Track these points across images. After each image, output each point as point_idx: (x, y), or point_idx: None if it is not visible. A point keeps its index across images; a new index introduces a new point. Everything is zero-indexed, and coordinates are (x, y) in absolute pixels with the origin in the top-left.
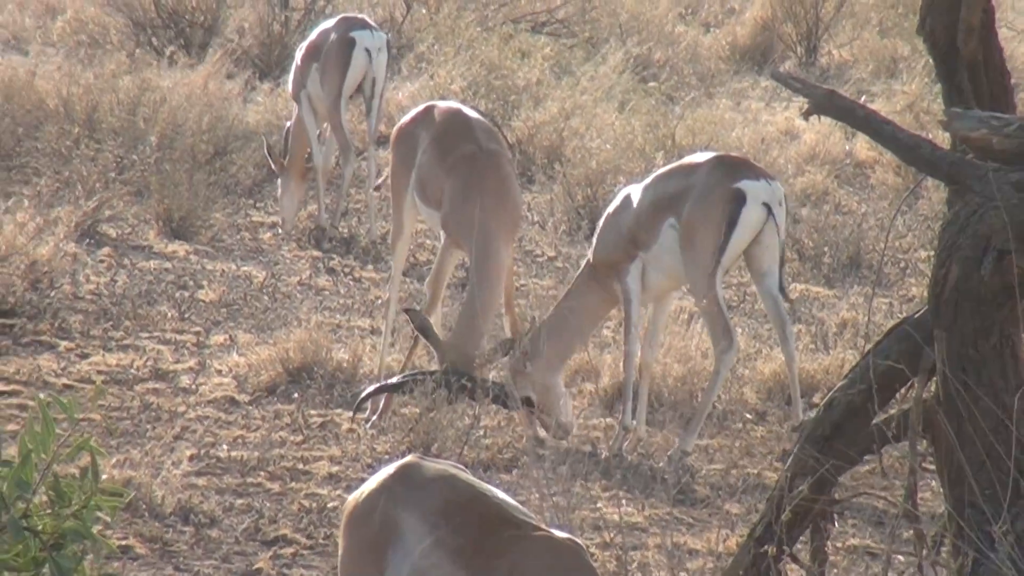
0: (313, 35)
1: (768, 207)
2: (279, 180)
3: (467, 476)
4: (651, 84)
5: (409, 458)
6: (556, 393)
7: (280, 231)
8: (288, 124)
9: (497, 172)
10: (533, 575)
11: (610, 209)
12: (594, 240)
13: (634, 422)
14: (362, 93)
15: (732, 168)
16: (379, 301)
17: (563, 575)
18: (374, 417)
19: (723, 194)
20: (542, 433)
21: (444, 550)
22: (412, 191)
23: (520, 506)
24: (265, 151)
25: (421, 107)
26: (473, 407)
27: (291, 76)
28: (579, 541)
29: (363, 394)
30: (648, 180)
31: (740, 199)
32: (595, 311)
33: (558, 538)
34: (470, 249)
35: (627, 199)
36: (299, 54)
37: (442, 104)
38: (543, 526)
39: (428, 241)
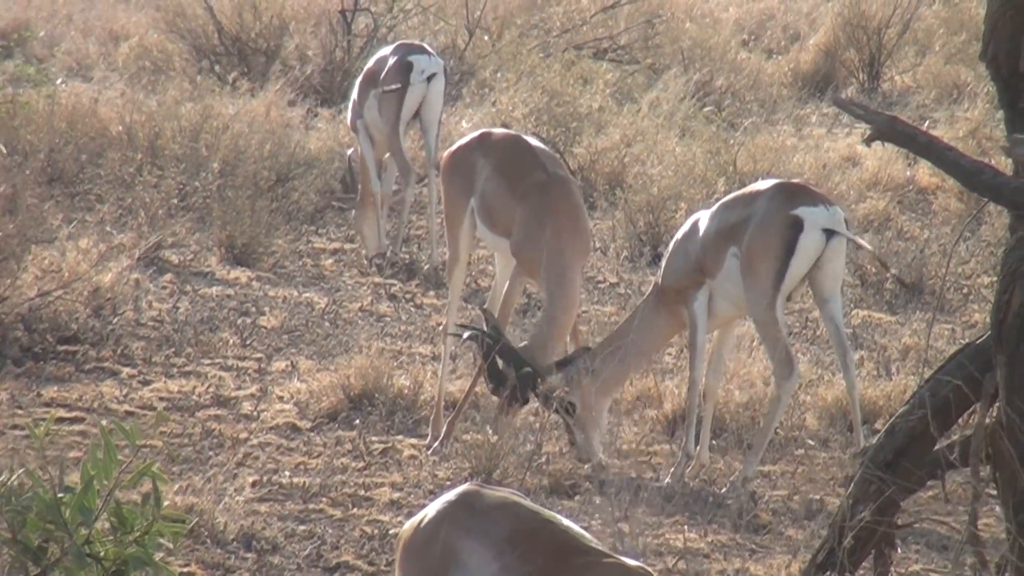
0: (371, 62)
1: (828, 232)
2: (356, 211)
3: (529, 504)
4: (707, 109)
5: (468, 486)
6: (599, 414)
7: (369, 261)
8: (350, 152)
9: (569, 200)
10: None
11: (679, 235)
12: (662, 265)
13: (697, 448)
14: (419, 119)
15: (791, 195)
16: (440, 327)
17: None
18: (435, 444)
19: (781, 221)
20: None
21: None
22: (474, 218)
23: (586, 533)
24: (342, 177)
25: (475, 134)
26: (535, 434)
27: (350, 105)
28: (648, 569)
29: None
30: (714, 208)
31: (798, 226)
32: (659, 335)
33: (629, 565)
34: (543, 276)
35: (695, 226)
36: (357, 83)
37: (498, 131)
38: (611, 553)
39: (490, 267)
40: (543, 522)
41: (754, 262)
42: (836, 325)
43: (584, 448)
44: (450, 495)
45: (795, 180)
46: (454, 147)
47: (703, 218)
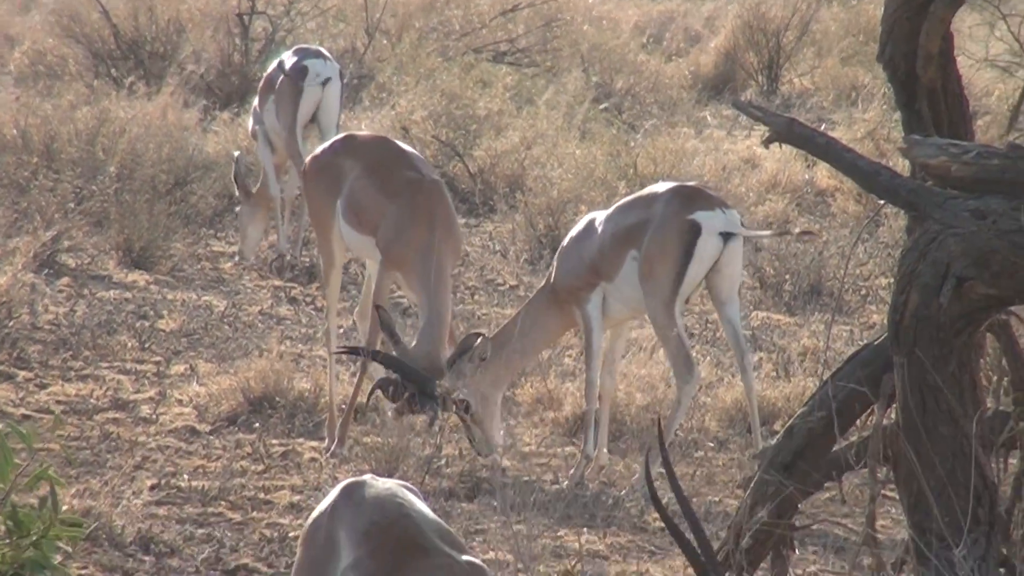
0: (270, 69)
1: (724, 236)
2: (241, 209)
3: (406, 496)
4: (602, 108)
5: (363, 477)
6: (493, 407)
7: (241, 261)
8: (237, 155)
9: (441, 200)
10: None
11: (572, 235)
12: (555, 265)
13: (596, 450)
14: (317, 123)
15: (688, 199)
16: (340, 330)
17: None
18: (334, 447)
19: (679, 226)
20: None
21: (359, 573)
22: (340, 219)
23: (449, 531)
24: (232, 177)
25: (339, 137)
26: (434, 435)
27: (251, 113)
28: (482, 564)
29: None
30: (610, 211)
31: (696, 230)
32: (549, 333)
33: (458, 562)
34: (418, 278)
35: (590, 227)
36: (259, 89)
37: (364, 134)
38: (451, 553)
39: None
40: (400, 518)
41: (653, 266)
42: (734, 327)
43: (483, 443)
44: (341, 484)
45: (691, 184)
46: (317, 151)
47: (598, 219)
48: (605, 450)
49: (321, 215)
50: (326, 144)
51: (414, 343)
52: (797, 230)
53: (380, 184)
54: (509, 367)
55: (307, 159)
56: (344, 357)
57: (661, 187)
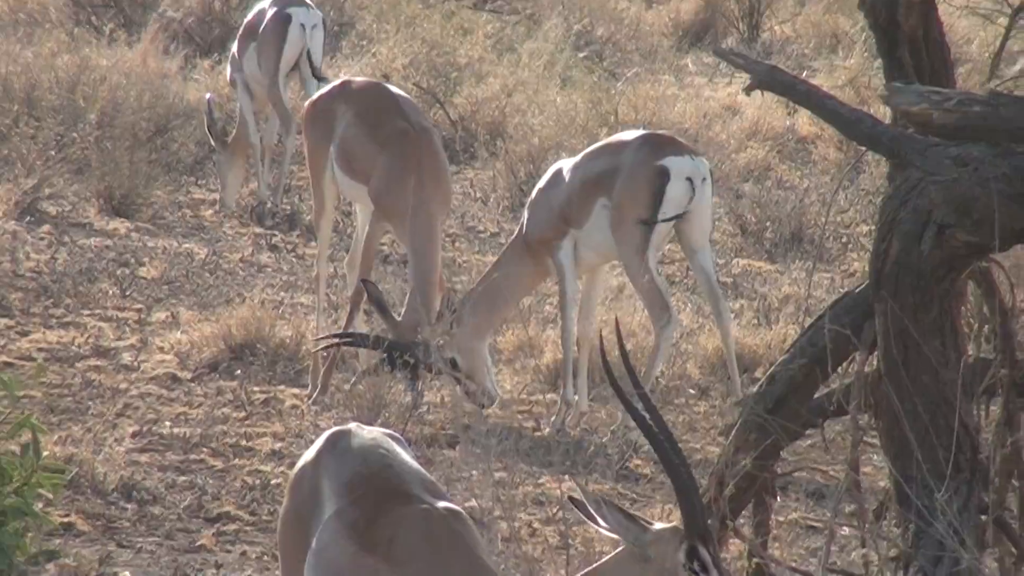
0: (250, 15)
1: (692, 183)
2: (218, 157)
3: (389, 446)
4: (582, 55)
5: (348, 426)
6: (481, 358)
7: (222, 209)
8: (208, 97)
9: (432, 150)
10: (409, 546)
11: (541, 185)
12: (525, 215)
13: (576, 397)
14: (298, 71)
15: (657, 146)
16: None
17: (437, 543)
18: (316, 394)
19: (648, 172)
20: (467, 402)
21: (341, 523)
22: (333, 165)
23: (430, 480)
24: (206, 128)
25: (336, 82)
26: (416, 384)
27: (229, 58)
28: (459, 509)
29: (319, 341)
30: (578, 159)
31: (665, 176)
32: (525, 282)
33: (435, 508)
34: (409, 229)
35: (558, 175)
36: (237, 36)
37: (360, 79)
38: (429, 500)
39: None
40: (382, 467)
41: (624, 214)
42: (707, 274)
43: (480, 394)
44: (327, 433)
45: (660, 131)
46: (315, 96)
47: (565, 168)
48: (586, 397)
49: (315, 160)
50: (325, 89)
51: (403, 311)
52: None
53: (371, 132)
54: (489, 318)
55: (306, 104)
56: (326, 304)
57: (629, 135)
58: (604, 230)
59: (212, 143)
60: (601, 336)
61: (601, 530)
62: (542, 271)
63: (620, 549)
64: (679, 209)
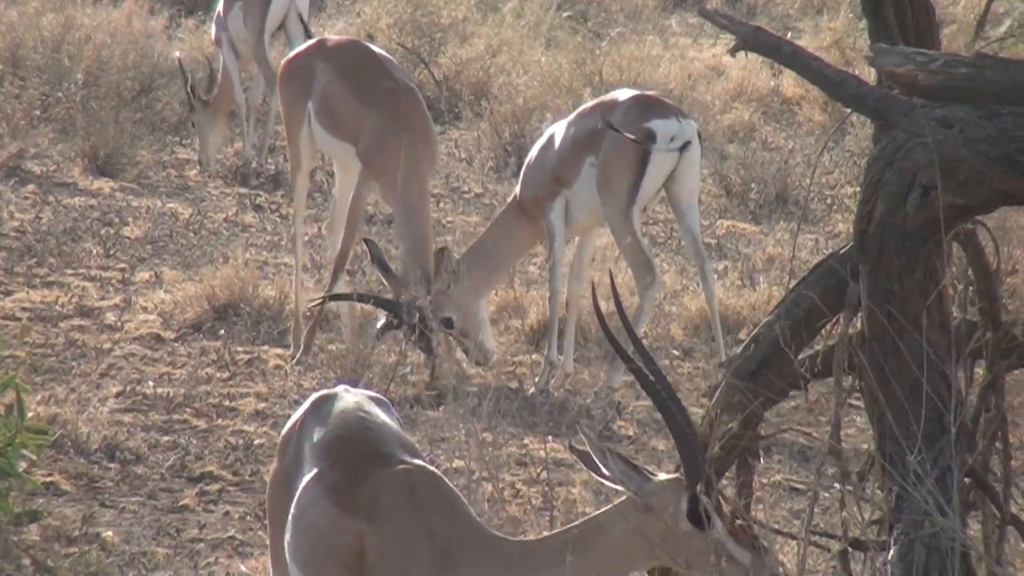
0: None
1: (680, 145)
2: (197, 117)
3: (371, 409)
4: (567, 15)
5: (335, 388)
6: (478, 318)
7: (203, 169)
8: (179, 55)
9: (419, 109)
10: (392, 505)
11: (536, 147)
12: (521, 177)
13: (560, 358)
14: (284, 30)
15: (645, 108)
16: (305, 238)
17: (419, 500)
18: (300, 354)
19: (635, 133)
20: (462, 358)
21: (321, 485)
22: (313, 123)
23: (410, 442)
24: (188, 89)
25: (312, 41)
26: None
27: (214, 17)
28: (433, 468)
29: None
30: (571, 117)
31: (651, 138)
32: (520, 243)
33: (415, 468)
34: (395, 183)
35: (552, 137)
36: None
37: (337, 38)
38: (408, 460)
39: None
40: (361, 430)
41: (610, 174)
42: (693, 235)
43: (477, 352)
44: (313, 396)
45: (650, 92)
46: (291, 54)
47: (559, 129)
48: (571, 358)
49: (291, 117)
50: (300, 47)
51: (403, 269)
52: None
53: (356, 90)
54: (486, 279)
55: (282, 62)
56: (309, 264)
57: (622, 94)
58: (592, 189)
59: (191, 102)
60: (594, 288)
61: (604, 480)
62: (537, 232)
63: (621, 499)
64: (665, 173)
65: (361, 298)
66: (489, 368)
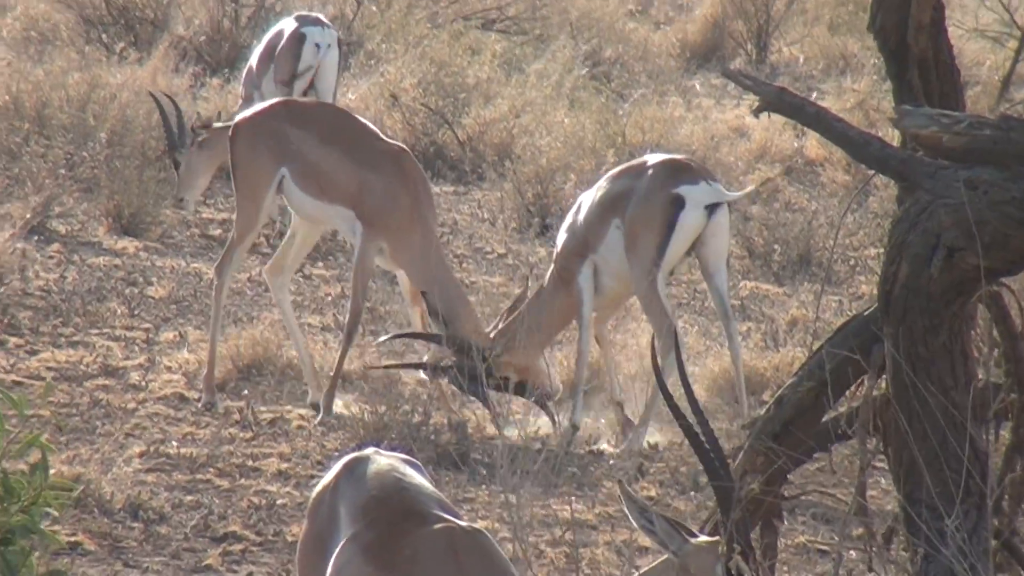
0: (269, 34)
1: (710, 209)
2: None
3: (405, 470)
4: (584, 72)
5: (365, 451)
6: (541, 370)
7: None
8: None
9: (419, 167)
10: (430, 564)
11: (568, 216)
12: (556, 246)
13: (581, 419)
14: (314, 90)
15: (673, 172)
16: (329, 298)
17: (461, 558)
18: (322, 415)
19: (663, 199)
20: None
21: (357, 545)
22: (292, 189)
23: (447, 502)
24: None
25: (274, 101)
26: (425, 405)
27: (244, 75)
28: (481, 528)
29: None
30: (600, 181)
31: (679, 203)
32: (558, 315)
33: (458, 526)
34: (409, 243)
35: (580, 204)
36: (254, 55)
37: (303, 99)
38: (449, 518)
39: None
40: (397, 490)
41: (636, 238)
42: (721, 296)
43: (546, 395)
44: (344, 458)
45: (679, 157)
46: (251, 113)
47: (587, 195)
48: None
49: (255, 179)
50: (258, 108)
51: (453, 326)
52: (750, 187)
53: (350, 153)
54: (538, 342)
55: (236, 122)
56: (334, 324)
57: (652, 158)
58: (618, 252)
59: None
60: (653, 347)
61: (647, 537)
62: (573, 303)
63: (661, 559)
64: (692, 238)
65: (420, 367)
66: (513, 428)
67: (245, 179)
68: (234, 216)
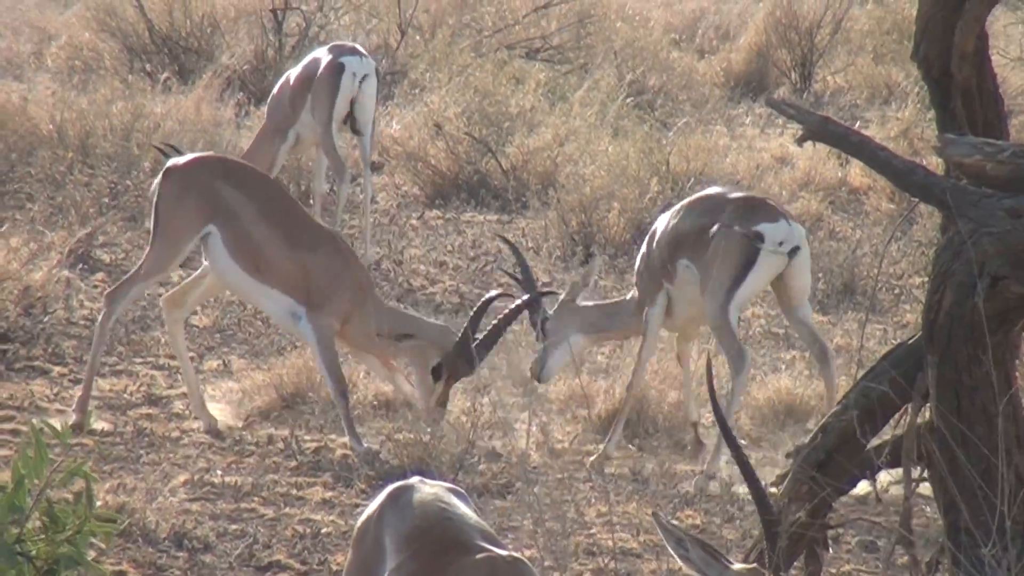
0: (305, 62)
1: (790, 249)
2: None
3: (449, 500)
4: (628, 101)
5: (409, 480)
6: (565, 348)
7: None
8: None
9: (351, 250)
10: None
11: (647, 238)
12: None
13: (629, 446)
14: (353, 120)
15: (752, 211)
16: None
17: None
18: (357, 446)
19: (742, 238)
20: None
21: (402, 575)
22: (222, 257)
23: (491, 532)
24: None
25: (206, 156)
26: (468, 433)
27: (270, 104)
28: (522, 558)
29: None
30: (676, 207)
31: (760, 240)
32: (628, 327)
33: (499, 556)
34: (361, 317)
35: (657, 229)
36: (281, 85)
37: (235, 160)
38: (491, 548)
39: (420, 266)
40: (441, 519)
41: (713, 272)
42: (808, 327)
43: (540, 367)
44: (390, 487)
45: (759, 196)
46: (188, 160)
47: (662, 222)
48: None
49: (177, 229)
50: (193, 157)
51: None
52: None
53: (287, 236)
54: (593, 334)
55: (170, 165)
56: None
57: (731, 193)
58: (692, 286)
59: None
60: (709, 371)
61: (684, 566)
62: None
63: None
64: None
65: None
66: (556, 457)
67: (167, 225)
68: (148, 250)
